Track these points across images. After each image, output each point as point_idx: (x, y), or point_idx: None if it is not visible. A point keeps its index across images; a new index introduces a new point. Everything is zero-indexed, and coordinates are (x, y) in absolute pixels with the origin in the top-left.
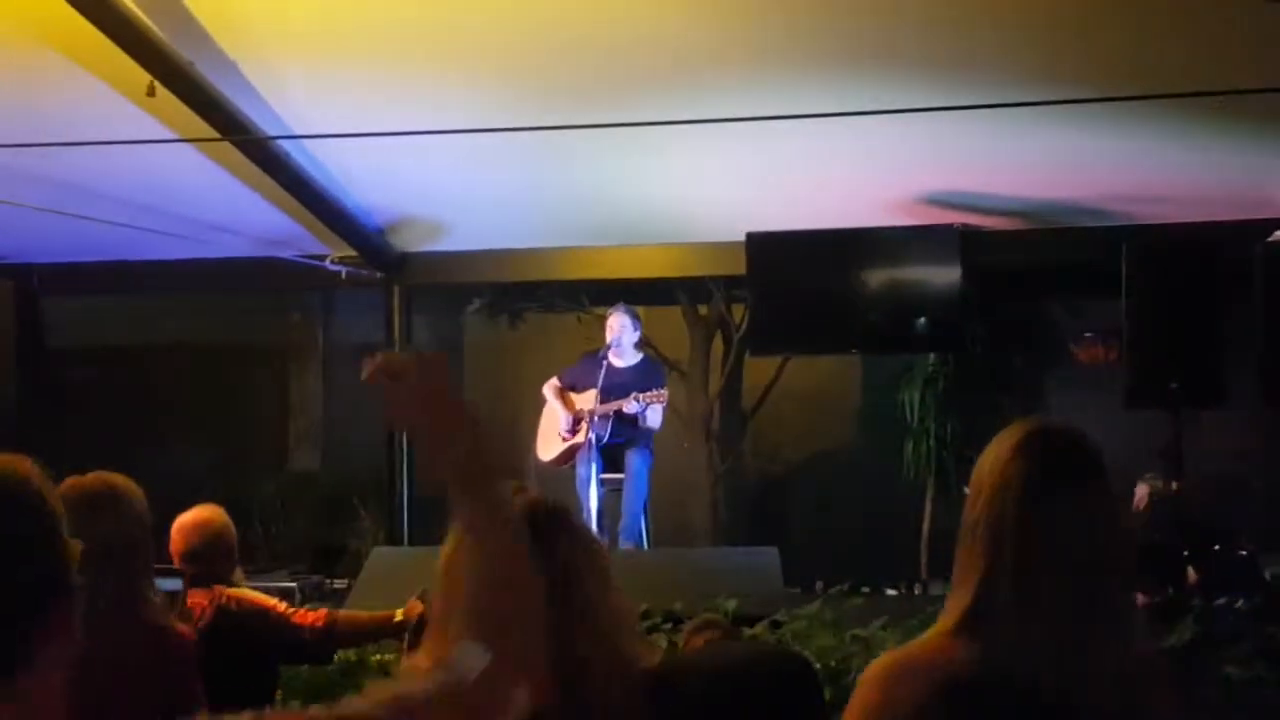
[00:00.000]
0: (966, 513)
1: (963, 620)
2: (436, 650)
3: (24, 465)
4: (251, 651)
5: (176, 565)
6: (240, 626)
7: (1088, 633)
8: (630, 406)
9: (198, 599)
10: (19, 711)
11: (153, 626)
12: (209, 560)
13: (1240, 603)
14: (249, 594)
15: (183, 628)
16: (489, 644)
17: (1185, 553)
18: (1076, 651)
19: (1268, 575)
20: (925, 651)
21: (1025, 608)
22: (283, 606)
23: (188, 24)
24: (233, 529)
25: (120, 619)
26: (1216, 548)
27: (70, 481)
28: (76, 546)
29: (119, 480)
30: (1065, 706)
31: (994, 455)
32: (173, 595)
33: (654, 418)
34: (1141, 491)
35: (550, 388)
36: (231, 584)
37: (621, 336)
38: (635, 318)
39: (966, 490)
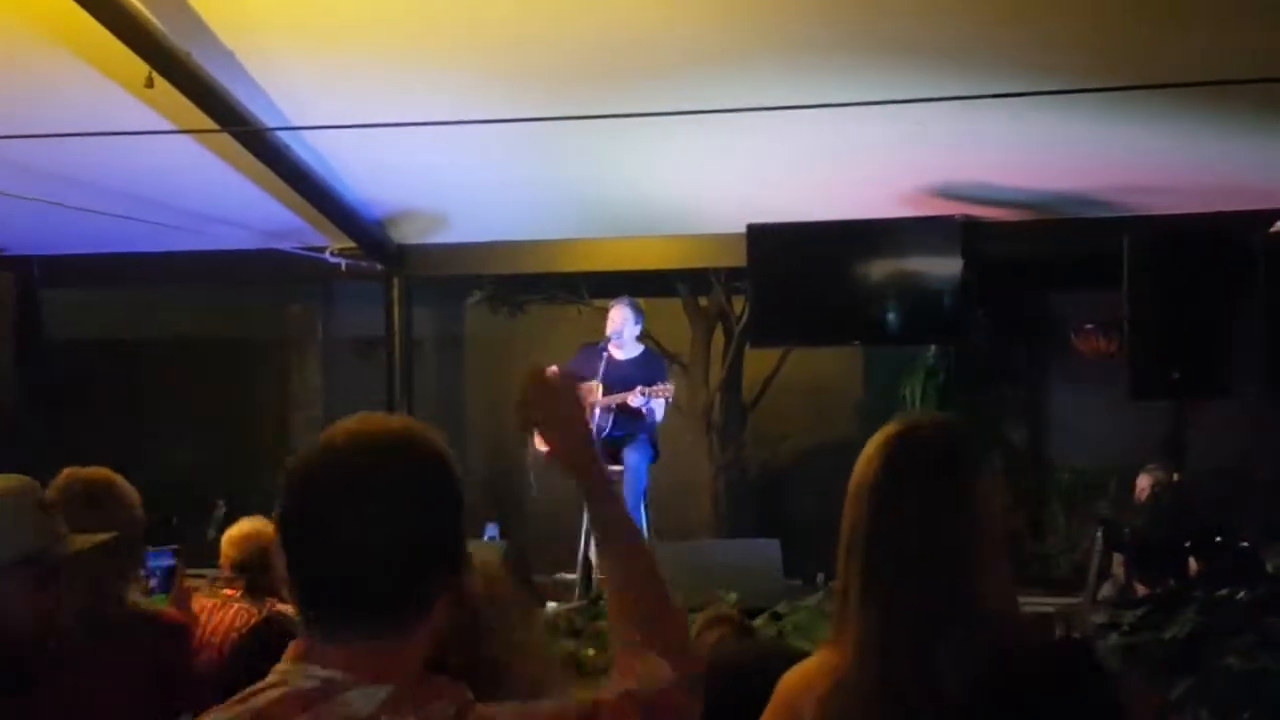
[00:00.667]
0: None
1: (836, 628)
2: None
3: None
4: None
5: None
6: (284, 635)
7: (943, 631)
8: (635, 400)
9: (244, 608)
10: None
11: (147, 614)
12: (259, 571)
13: (1242, 594)
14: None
15: (175, 613)
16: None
17: (1187, 544)
18: (933, 651)
19: (1270, 567)
20: (814, 663)
21: (878, 611)
22: None
23: (185, 14)
24: None
25: (115, 609)
26: (1218, 539)
27: (69, 473)
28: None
29: (117, 476)
30: (934, 706)
31: (858, 463)
32: (170, 571)
33: (658, 411)
34: (1143, 483)
35: None
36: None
37: (623, 329)
38: (637, 310)
39: None
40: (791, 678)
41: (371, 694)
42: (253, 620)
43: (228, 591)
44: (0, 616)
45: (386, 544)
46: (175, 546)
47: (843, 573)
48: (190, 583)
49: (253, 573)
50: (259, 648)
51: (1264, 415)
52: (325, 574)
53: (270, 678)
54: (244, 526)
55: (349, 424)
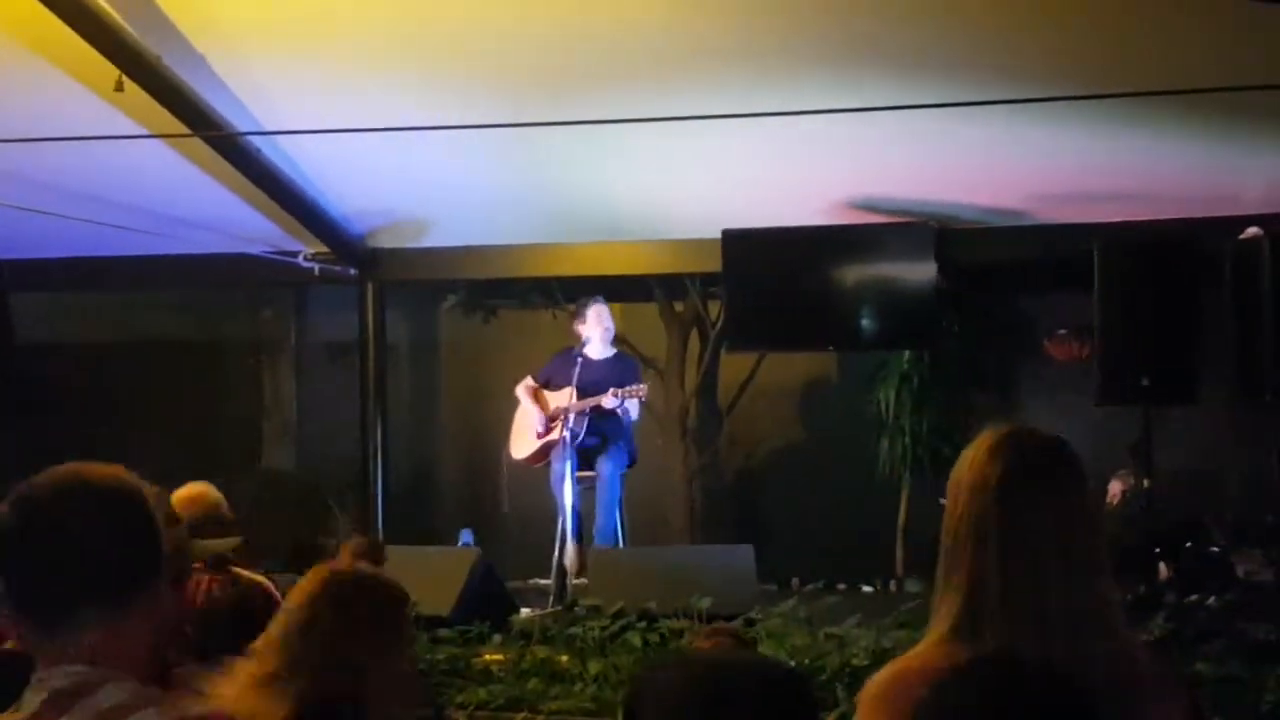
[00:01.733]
0: (947, 518)
1: (956, 624)
2: None
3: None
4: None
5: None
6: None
7: (1075, 626)
8: (609, 401)
9: (211, 576)
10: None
11: None
12: (210, 533)
13: (1212, 600)
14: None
15: None
16: None
17: (1157, 549)
18: (1066, 643)
19: (1240, 572)
20: (922, 660)
21: (1014, 607)
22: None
23: (155, 17)
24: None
25: None
26: (1188, 544)
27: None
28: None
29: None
30: (1064, 690)
31: (970, 459)
32: None
33: (631, 412)
34: (1114, 488)
35: (524, 388)
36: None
37: (609, 326)
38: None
39: (943, 501)
40: (889, 680)
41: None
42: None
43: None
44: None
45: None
46: None
47: (966, 569)
48: None
49: (203, 535)
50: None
51: (1233, 421)
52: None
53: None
54: (191, 488)
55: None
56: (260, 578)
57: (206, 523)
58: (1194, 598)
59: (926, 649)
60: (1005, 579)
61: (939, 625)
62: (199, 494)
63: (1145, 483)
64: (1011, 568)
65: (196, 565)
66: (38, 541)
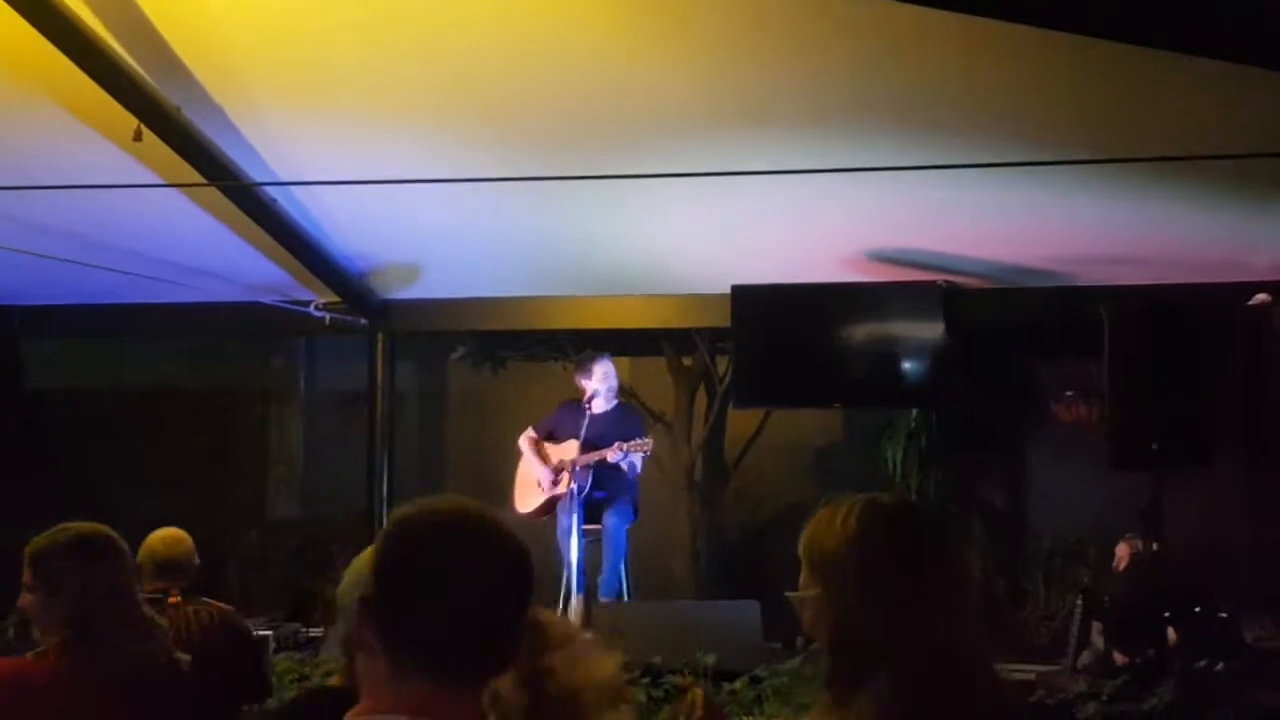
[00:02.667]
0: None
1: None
2: None
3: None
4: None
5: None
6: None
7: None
8: (614, 455)
9: (202, 607)
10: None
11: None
12: (185, 571)
13: (1221, 665)
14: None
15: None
16: None
17: (1166, 614)
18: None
19: (1249, 638)
20: None
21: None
22: None
23: (175, 69)
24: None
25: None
26: (1197, 609)
27: (64, 527)
28: None
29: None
30: None
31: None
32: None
33: (636, 465)
34: (1122, 551)
35: (526, 440)
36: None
37: (613, 382)
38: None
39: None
40: None
41: None
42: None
43: (172, 599)
44: None
45: None
46: None
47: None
48: None
49: (182, 573)
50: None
51: (1243, 485)
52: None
53: None
54: (169, 531)
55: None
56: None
57: (182, 567)
58: (1203, 663)
59: None
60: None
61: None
62: (177, 536)
63: (1154, 546)
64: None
65: (174, 599)
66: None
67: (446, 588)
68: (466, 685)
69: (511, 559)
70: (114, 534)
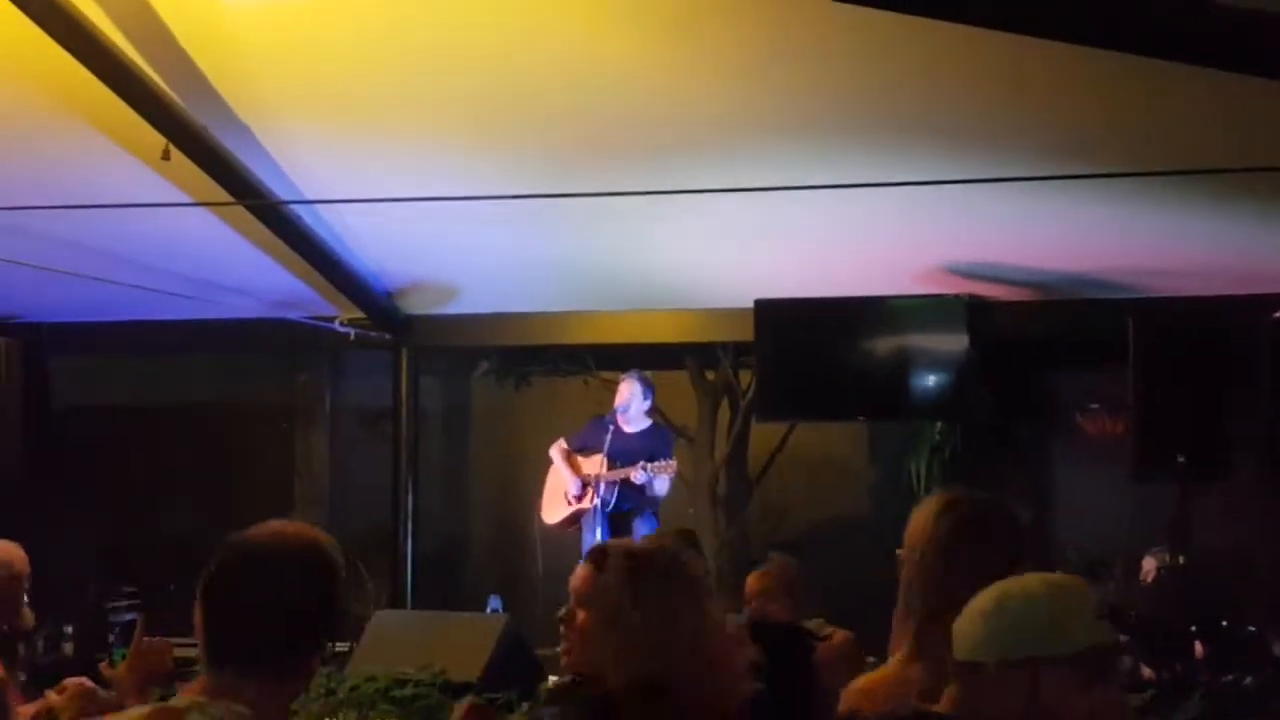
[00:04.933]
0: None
1: (910, 651)
2: None
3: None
4: None
5: None
6: None
7: None
8: (638, 476)
9: None
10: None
11: None
12: None
13: (1249, 680)
14: None
15: None
16: None
17: (1192, 628)
18: None
19: (1276, 652)
20: (885, 677)
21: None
22: None
23: (203, 88)
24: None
25: None
26: (1224, 623)
27: None
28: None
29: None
30: None
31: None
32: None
33: (660, 487)
34: (1148, 565)
35: (558, 450)
36: None
37: (630, 404)
38: (647, 385)
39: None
40: (861, 688)
41: None
42: None
43: None
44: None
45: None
46: (137, 600)
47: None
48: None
49: None
50: None
51: (1269, 499)
52: None
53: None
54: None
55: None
56: None
57: None
58: (1230, 678)
59: (890, 668)
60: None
61: (899, 651)
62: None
63: (1180, 560)
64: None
65: None
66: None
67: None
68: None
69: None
70: None
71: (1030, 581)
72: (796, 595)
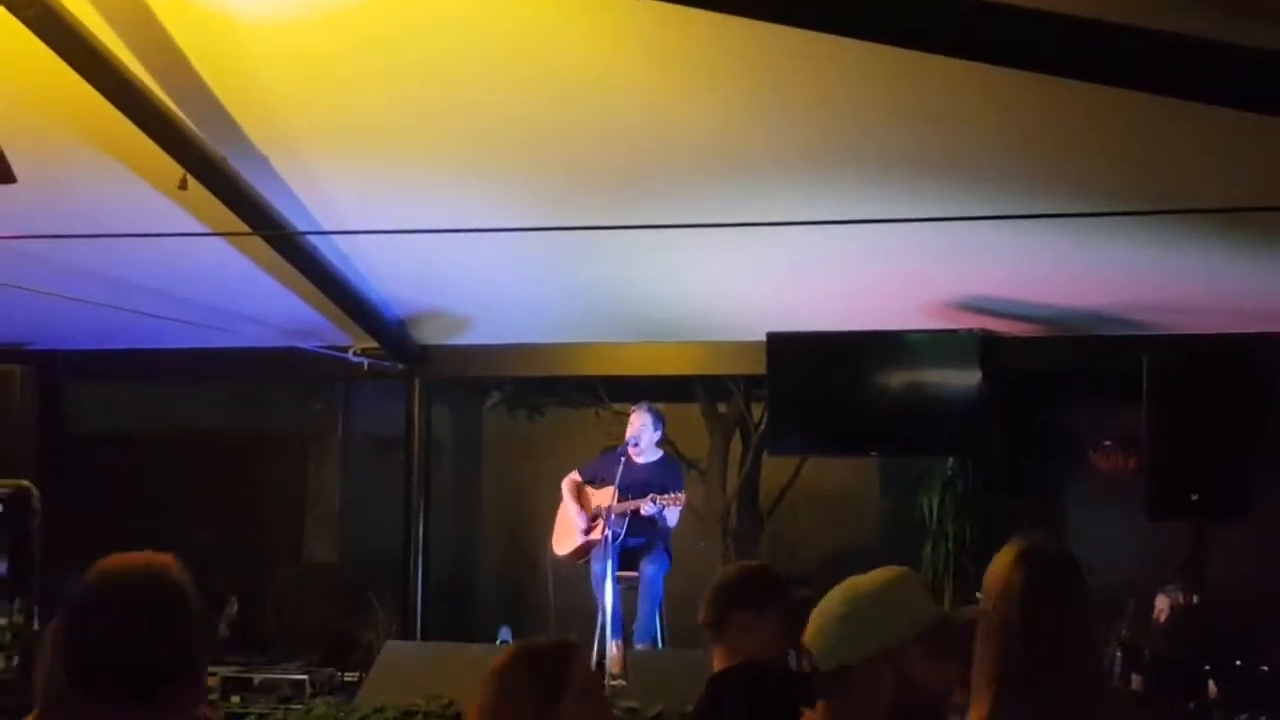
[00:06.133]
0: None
1: (992, 709)
2: None
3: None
4: None
5: None
6: None
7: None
8: (647, 508)
9: None
10: None
11: None
12: None
13: (1263, 719)
14: None
15: None
16: None
17: (1206, 667)
18: None
19: None
20: None
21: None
22: None
23: (221, 118)
24: None
25: None
26: (1238, 662)
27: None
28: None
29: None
30: None
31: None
32: None
33: (670, 519)
34: (1162, 603)
35: (568, 484)
36: None
37: (641, 435)
38: (658, 417)
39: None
40: None
41: None
42: None
43: None
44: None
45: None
46: None
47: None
48: None
49: None
50: None
51: None
52: None
53: None
54: None
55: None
56: None
57: None
58: (1244, 717)
59: None
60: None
61: (978, 707)
62: None
63: (1194, 599)
64: (1033, 665)
65: None
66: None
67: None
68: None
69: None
70: None
71: (863, 580)
72: None
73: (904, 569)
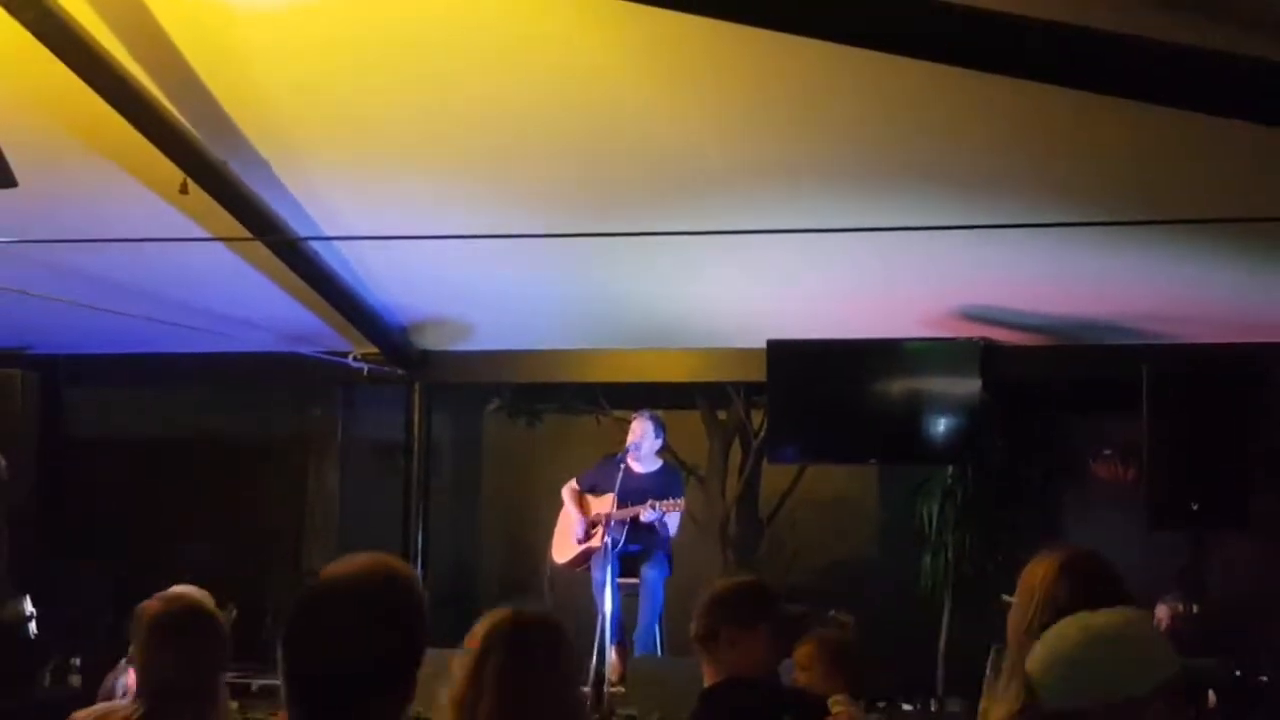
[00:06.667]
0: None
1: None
2: None
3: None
4: None
5: None
6: None
7: None
8: (646, 515)
9: None
10: None
11: None
12: None
13: None
14: None
15: None
16: None
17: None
18: None
19: None
20: None
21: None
22: None
23: (222, 123)
24: None
25: None
26: (1238, 673)
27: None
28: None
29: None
30: None
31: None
32: None
33: (670, 525)
34: (1161, 613)
35: (568, 491)
36: None
37: (641, 442)
38: (659, 424)
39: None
40: None
41: None
42: None
43: None
44: None
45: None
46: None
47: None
48: None
49: None
50: None
51: None
52: None
53: None
54: None
55: None
56: None
57: None
58: None
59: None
60: None
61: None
62: None
63: (1194, 608)
64: None
65: None
66: None
67: None
68: None
69: None
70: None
71: (1102, 620)
72: (838, 668)
73: (1143, 613)
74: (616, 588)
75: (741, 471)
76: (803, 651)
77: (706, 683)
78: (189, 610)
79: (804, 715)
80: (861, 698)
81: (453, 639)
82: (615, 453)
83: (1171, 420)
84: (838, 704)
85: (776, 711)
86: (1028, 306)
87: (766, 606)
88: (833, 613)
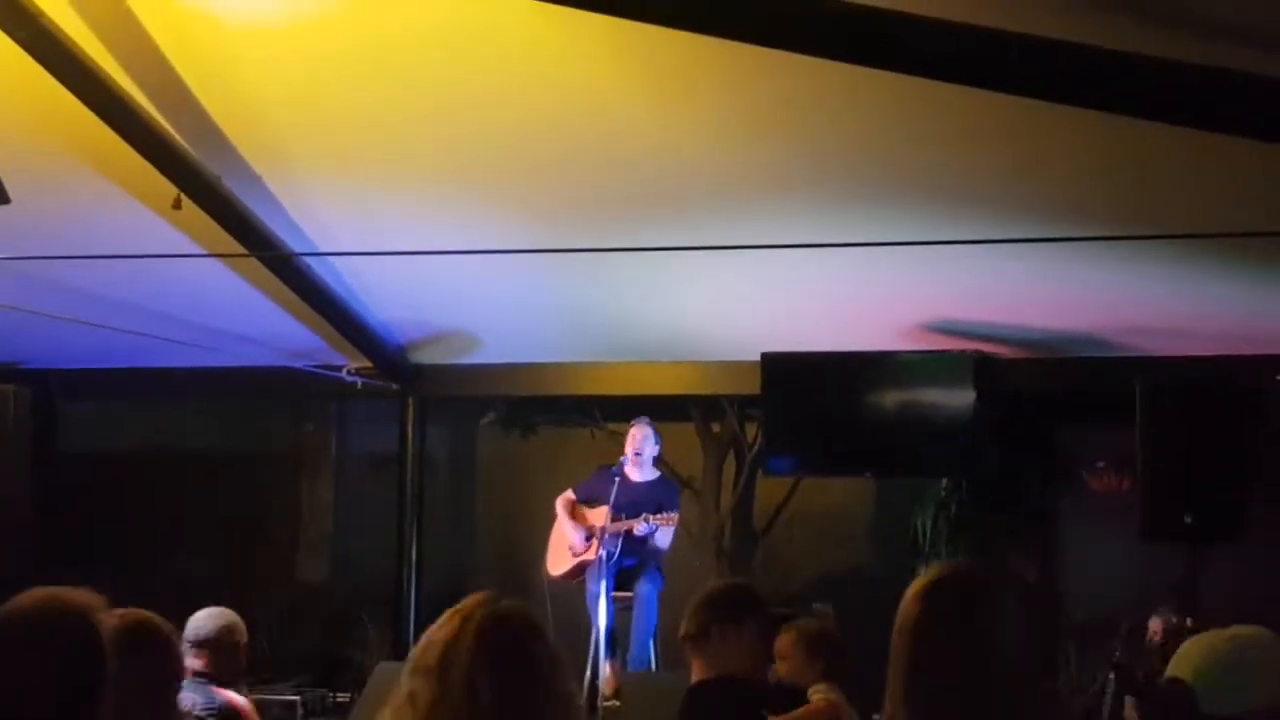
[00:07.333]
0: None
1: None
2: None
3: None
4: None
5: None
6: None
7: None
8: (640, 528)
9: None
10: None
11: None
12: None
13: None
14: None
15: None
16: None
17: None
18: None
19: None
20: None
21: None
22: None
23: (216, 138)
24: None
25: None
26: None
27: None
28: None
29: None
30: None
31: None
32: None
33: (663, 539)
34: (1155, 625)
35: (562, 502)
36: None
37: (643, 446)
38: (657, 432)
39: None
40: None
41: None
42: None
43: None
44: None
45: None
46: None
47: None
48: None
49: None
50: None
51: (1276, 560)
52: None
53: None
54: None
55: None
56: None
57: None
58: None
59: None
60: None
61: None
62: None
63: (1188, 621)
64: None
65: None
66: None
67: None
68: None
69: None
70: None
71: (1250, 632)
72: (815, 654)
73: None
74: (611, 601)
75: (736, 484)
76: (782, 640)
77: (694, 679)
78: (141, 627)
79: (784, 707)
80: (840, 682)
81: None
82: (610, 465)
83: (1166, 433)
84: (817, 693)
85: (759, 707)
86: (1022, 320)
87: (755, 605)
88: (815, 605)
